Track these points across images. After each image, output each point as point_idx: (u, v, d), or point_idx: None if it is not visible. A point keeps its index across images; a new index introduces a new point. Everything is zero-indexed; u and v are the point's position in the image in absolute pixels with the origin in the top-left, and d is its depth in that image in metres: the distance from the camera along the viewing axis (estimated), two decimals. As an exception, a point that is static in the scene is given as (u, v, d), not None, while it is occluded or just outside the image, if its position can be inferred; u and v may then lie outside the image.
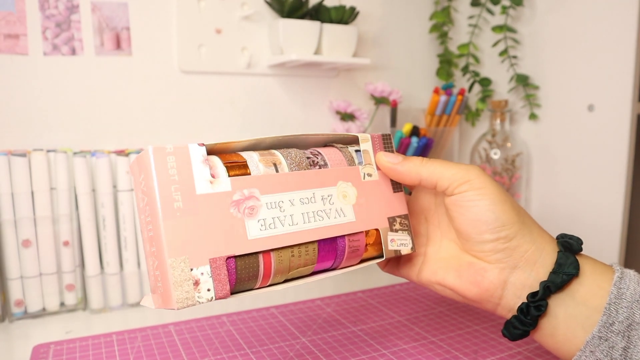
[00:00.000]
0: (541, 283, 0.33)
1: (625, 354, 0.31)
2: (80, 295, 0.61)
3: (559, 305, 0.33)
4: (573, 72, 0.72)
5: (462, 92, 0.81)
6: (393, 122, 0.80)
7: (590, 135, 0.70)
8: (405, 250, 0.38)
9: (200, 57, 0.74)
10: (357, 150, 0.39)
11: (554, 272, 0.33)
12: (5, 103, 0.64)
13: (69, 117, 0.68)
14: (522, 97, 0.79)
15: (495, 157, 0.78)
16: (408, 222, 0.39)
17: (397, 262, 0.41)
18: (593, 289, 0.33)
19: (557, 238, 0.36)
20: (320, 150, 0.39)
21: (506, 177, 0.77)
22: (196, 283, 0.29)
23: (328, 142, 0.41)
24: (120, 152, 0.62)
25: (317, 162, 0.37)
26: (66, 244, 0.59)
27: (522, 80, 0.78)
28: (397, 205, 0.39)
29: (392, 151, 0.39)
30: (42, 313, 0.60)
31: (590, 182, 0.70)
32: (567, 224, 0.74)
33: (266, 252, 0.32)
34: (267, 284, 0.33)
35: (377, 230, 0.38)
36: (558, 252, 0.34)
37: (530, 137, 0.80)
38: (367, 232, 0.37)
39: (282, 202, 0.33)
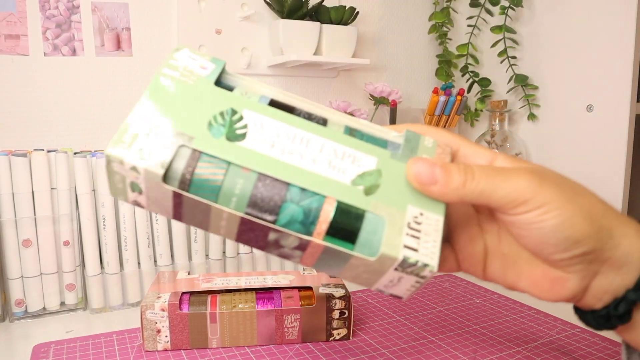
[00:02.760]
0: (628, 292, 0.28)
1: None
2: (81, 295, 0.62)
3: None
4: (572, 73, 0.72)
5: (461, 93, 0.81)
6: (392, 122, 0.81)
7: (589, 135, 0.70)
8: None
9: (200, 57, 0.74)
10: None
11: None
12: (6, 103, 0.65)
13: (70, 117, 0.68)
14: (521, 98, 0.80)
15: (495, 157, 0.78)
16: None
17: (455, 260, 0.33)
18: None
19: None
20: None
21: (505, 177, 0.78)
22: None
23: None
24: (121, 152, 0.62)
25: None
26: (66, 243, 0.60)
27: (521, 81, 0.78)
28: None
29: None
30: (43, 313, 0.60)
31: (589, 181, 0.71)
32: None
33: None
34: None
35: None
36: None
37: (529, 137, 0.80)
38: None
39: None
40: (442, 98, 0.80)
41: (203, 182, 0.26)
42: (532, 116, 0.78)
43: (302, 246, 0.27)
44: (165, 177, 0.25)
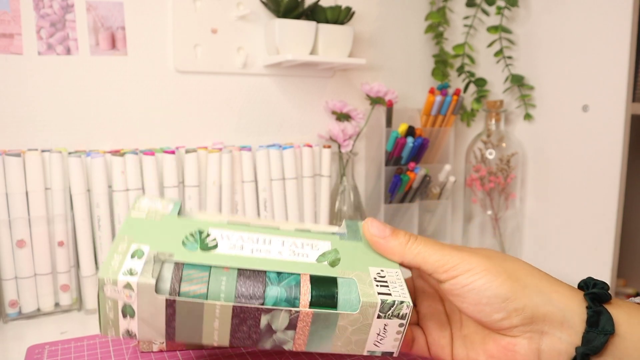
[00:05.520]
0: (577, 349, 0.30)
1: None
2: (75, 296, 0.61)
3: None
4: (568, 73, 0.72)
5: (457, 93, 0.81)
6: (388, 122, 0.81)
7: (585, 135, 0.70)
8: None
9: (195, 57, 0.74)
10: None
11: (587, 333, 0.30)
12: (0, 103, 0.64)
13: (64, 117, 0.68)
14: (517, 98, 0.80)
15: (491, 157, 0.78)
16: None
17: (425, 344, 0.37)
18: (633, 344, 0.30)
19: (580, 286, 0.33)
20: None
21: (501, 177, 0.78)
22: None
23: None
24: (116, 152, 0.61)
25: None
26: (61, 244, 0.59)
27: (517, 81, 0.78)
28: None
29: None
30: (37, 313, 0.59)
31: (585, 181, 0.71)
32: (561, 224, 0.74)
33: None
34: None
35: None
36: (587, 307, 0.30)
37: (525, 137, 0.80)
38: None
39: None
40: (439, 98, 0.80)
41: (192, 285, 0.29)
42: (528, 116, 0.79)
43: (293, 323, 0.30)
44: (157, 289, 0.29)
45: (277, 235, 0.33)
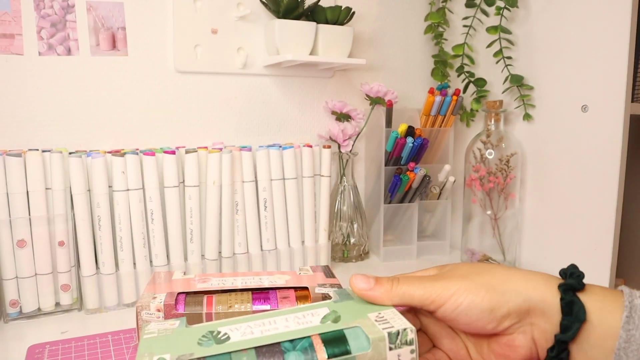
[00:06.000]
0: (556, 336, 0.33)
1: None
2: (76, 296, 0.61)
3: (578, 351, 0.33)
4: (567, 73, 0.73)
5: (457, 93, 0.81)
6: (388, 122, 0.81)
7: (584, 135, 0.71)
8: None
9: (196, 57, 0.74)
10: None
11: (563, 321, 0.33)
12: (0, 103, 0.64)
13: (65, 117, 0.68)
14: (516, 98, 0.80)
15: (490, 157, 0.79)
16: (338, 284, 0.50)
17: (447, 356, 0.41)
18: (605, 331, 0.32)
19: (561, 274, 0.36)
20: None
21: (501, 177, 0.78)
22: (159, 309, 0.43)
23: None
24: (116, 152, 0.62)
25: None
26: (61, 244, 0.59)
27: (517, 81, 0.78)
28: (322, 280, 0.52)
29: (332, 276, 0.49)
30: (38, 313, 0.59)
31: (584, 182, 0.71)
32: (561, 223, 0.75)
33: (209, 294, 0.43)
34: (211, 310, 0.43)
35: (307, 289, 0.49)
36: (560, 299, 0.34)
37: (524, 137, 0.80)
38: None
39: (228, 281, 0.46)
40: (438, 98, 0.81)
41: None
42: (527, 116, 0.79)
43: None
44: None
45: (279, 315, 0.37)
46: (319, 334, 0.34)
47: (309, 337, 0.34)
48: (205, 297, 0.49)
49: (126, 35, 0.70)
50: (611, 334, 0.32)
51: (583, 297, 0.33)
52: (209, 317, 0.48)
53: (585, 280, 0.35)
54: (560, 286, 0.34)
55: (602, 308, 0.33)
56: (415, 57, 0.94)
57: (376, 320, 0.35)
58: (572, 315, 0.33)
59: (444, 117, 0.83)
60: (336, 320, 0.36)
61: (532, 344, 0.35)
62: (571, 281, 0.34)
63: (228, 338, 0.35)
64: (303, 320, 0.36)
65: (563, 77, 0.73)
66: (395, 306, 0.38)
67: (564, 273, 0.36)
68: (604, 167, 0.68)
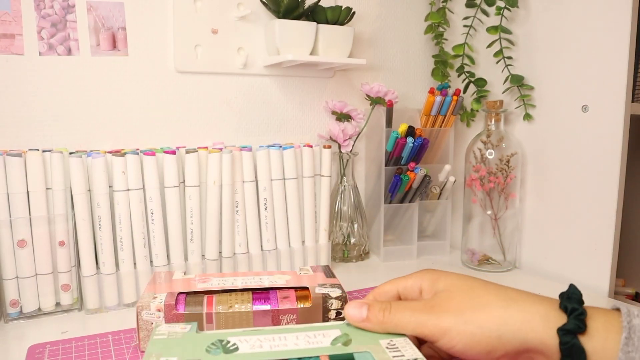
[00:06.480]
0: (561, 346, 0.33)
1: None
2: (76, 296, 0.61)
3: None
4: (567, 73, 0.73)
5: (457, 93, 0.81)
6: (388, 122, 0.81)
7: (585, 135, 0.71)
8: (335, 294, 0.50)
9: (196, 57, 0.74)
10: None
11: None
12: (1, 103, 0.64)
13: (65, 117, 0.68)
14: (516, 98, 0.80)
15: (490, 157, 0.79)
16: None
17: None
18: (605, 357, 0.32)
19: (561, 297, 0.35)
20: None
21: (501, 177, 0.78)
22: (159, 309, 0.43)
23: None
24: (116, 152, 0.62)
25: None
26: (62, 244, 0.59)
27: (517, 81, 0.78)
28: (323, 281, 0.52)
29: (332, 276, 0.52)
30: (38, 313, 0.59)
31: (585, 181, 0.71)
32: (561, 224, 0.75)
33: (209, 294, 0.42)
34: (212, 310, 0.43)
35: (307, 289, 0.49)
36: (560, 343, 0.33)
37: (525, 137, 0.80)
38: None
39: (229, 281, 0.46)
40: (438, 98, 0.81)
41: None
42: (527, 116, 0.79)
43: None
44: None
45: (290, 332, 0.37)
46: (328, 356, 0.34)
47: (317, 357, 0.34)
48: (205, 297, 0.49)
49: (126, 35, 0.70)
50: (610, 357, 0.31)
51: (583, 339, 0.32)
52: (209, 317, 0.47)
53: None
54: (559, 330, 0.33)
55: (603, 344, 0.32)
56: (415, 57, 0.94)
57: (387, 348, 0.35)
58: (573, 358, 0.32)
59: (445, 117, 0.83)
60: (347, 343, 0.36)
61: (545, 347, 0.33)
62: (571, 326, 0.32)
63: (237, 349, 0.34)
64: (313, 340, 0.36)
65: (563, 77, 0.73)
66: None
67: (561, 297, 0.35)
68: (604, 167, 0.68)
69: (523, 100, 0.79)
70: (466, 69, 0.87)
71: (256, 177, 0.70)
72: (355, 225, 0.85)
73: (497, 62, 0.82)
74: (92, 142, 0.70)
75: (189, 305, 0.48)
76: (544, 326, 0.33)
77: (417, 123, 0.83)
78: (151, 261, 0.64)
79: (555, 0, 0.74)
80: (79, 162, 0.59)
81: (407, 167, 0.80)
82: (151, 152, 0.62)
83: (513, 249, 0.81)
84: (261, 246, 0.71)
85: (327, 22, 0.77)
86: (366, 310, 0.38)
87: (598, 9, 0.68)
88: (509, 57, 0.80)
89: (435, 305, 0.36)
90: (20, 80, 0.65)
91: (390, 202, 0.83)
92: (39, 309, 0.60)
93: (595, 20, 0.68)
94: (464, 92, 0.87)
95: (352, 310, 0.38)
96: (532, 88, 0.78)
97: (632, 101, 0.67)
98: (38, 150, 0.60)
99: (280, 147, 0.72)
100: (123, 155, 0.61)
